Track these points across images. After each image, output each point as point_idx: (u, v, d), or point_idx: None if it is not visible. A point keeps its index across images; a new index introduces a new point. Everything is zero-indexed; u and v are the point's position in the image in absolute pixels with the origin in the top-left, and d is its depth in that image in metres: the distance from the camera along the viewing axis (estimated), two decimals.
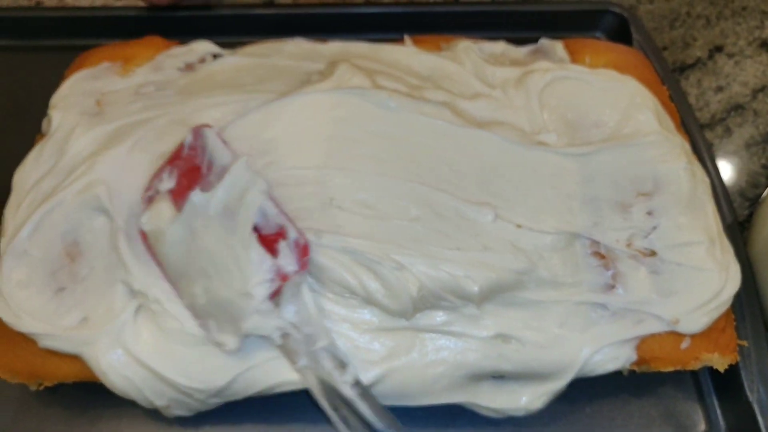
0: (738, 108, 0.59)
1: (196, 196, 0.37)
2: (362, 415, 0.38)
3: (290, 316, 0.37)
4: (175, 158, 0.40)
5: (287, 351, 0.38)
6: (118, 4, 0.67)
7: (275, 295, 0.37)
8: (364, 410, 0.37)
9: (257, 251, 0.37)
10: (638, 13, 0.66)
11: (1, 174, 0.46)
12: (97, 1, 0.67)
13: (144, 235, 0.39)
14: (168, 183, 0.39)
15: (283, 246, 0.37)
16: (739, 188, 0.55)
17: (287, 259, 0.37)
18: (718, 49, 0.63)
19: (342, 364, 0.38)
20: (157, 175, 0.40)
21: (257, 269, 0.37)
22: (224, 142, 0.40)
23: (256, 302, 0.36)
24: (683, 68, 0.62)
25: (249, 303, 0.36)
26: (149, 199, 0.39)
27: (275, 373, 0.39)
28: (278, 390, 0.40)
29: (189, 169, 0.39)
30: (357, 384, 0.38)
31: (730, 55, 0.63)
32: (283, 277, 0.37)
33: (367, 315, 0.39)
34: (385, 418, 0.38)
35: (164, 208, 0.38)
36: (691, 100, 0.60)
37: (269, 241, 0.37)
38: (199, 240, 0.37)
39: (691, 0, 0.66)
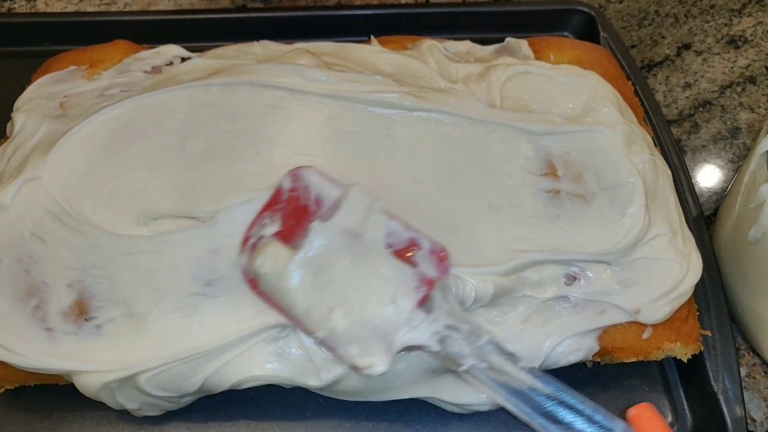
0: (706, 104, 0.60)
1: (317, 227, 0.37)
2: (556, 401, 0.34)
3: (444, 319, 0.36)
4: (273, 203, 0.40)
5: (448, 357, 0.36)
6: (90, 9, 0.67)
7: (423, 303, 0.36)
8: (558, 394, 0.34)
9: (396, 264, 0.37)
10: (607, 12, 0.66)
11: None
12: (69, 6, 0.68)
13: (254, 282, 0.38)
14: (272, 227, 0.39)
15: (419, 255, 0.37)
16: (707, 183, 0.55)
17: (428, 266, 0.37)
18: (686, 46, 0.64)
19: (510, 354, 0.36)
20: (255, 224, 0.40)
21: (401, 280, 0.36)
22: (326, 175, 0.40)
23: (407, 312, 0.36)
24: (651, 66, 0.63)
25: (399, 315, 0.36)
26: (254, 246, 0.39)
27: (244, 369, 0.38)
28: (246, 385, 0.40)
29: (294, 210, 0.39)
30: (533, 369, 0.35)
31: (698, 53, 0.63)
32: (429, 283, 0.36)
33: None
34: (584, 401, 0.35)
35: (278, 249, 0.38)
36: (660, 97, 0.60)
37: (404, 254, 0.37)
38: (328, 269, 0.37)
39: None
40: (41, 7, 0.67)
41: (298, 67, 0.45)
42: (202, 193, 0.42)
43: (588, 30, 0.62)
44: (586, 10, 0.62)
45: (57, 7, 0.68)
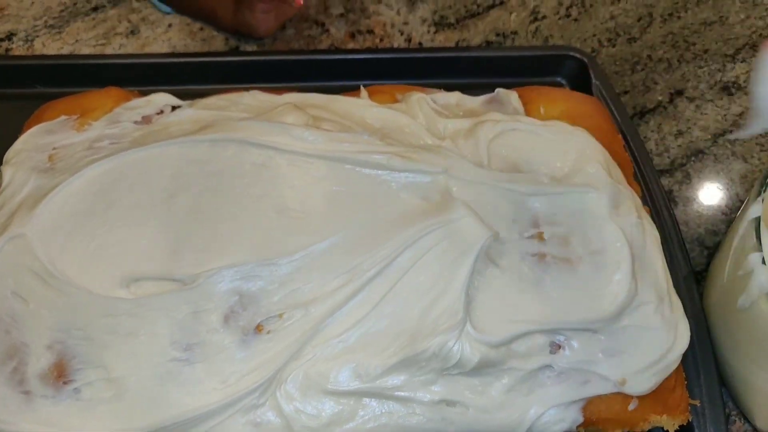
0: (698, 153, 0.59)
1: None
2: None
3: None
4: None
5: None
6: (85, 49, 0.67)
7: None
8: None
9: None
10: (600, 56, 0.66)
11: None
12: (65, 47, 0.68)
13: None
14: None
15: None
16: (698, 236, 0.55)
17: None
18: (679, 92, 0.63)
19: None
20: None
21: None
22: None
23: None
24: (644, 112, 0.62)
25: None
26: None
27: None
28: None
29: None
30: None
31: (691, 99, 0.63)
32: None
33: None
34: None
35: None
36: (651, 145, 0.60)
37: None
38: None
39: (653, 43, 0.67)
40: (38, 47, 0.67)
41: (286, 126, 0.45)
42: (185, 254, 0.42)
43: (580, 76, 0.62)
44: (578, 56, 0.62)
45: (53, 48, 0.68)
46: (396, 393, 0.38)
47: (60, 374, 0.39)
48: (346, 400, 0.38)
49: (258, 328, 0.40)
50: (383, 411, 0.38)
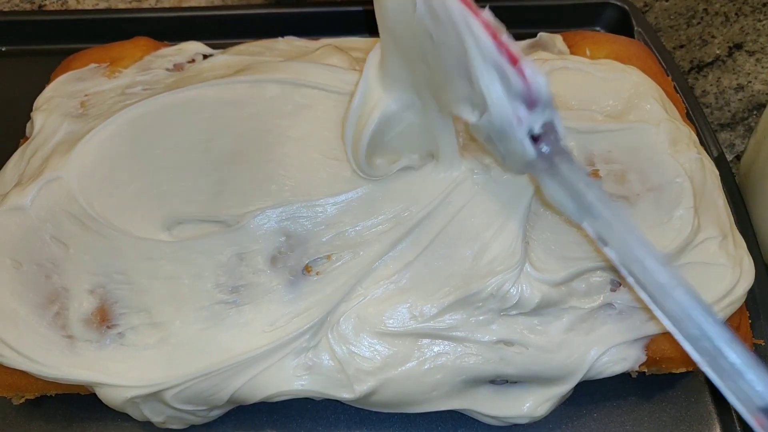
0: (760, 107, 0.57)
1: None
2: None
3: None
4: None
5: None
6: (121, 5, 0.65)
7: None
8: None
9: None
10: (654, 10, 0.64)
11: None
12: (101, 3, 0.66)
13: None
14: None
15: None
16: None
17: None
18: (738, 46, 0.61)
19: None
20: None
21: None
22: None
23: None
24: (701, 66, 0.60)
25: None
26: None
27: (273, 384, 0.37)
28: (275, 399, 0.38)
29: None
30: None
31: (751, 53, 0.61)
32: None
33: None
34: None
35: None
36: (711, 99, 0.58)
37: None
38: None
39: None
40: (72, 3, 0.66)
41: (332, 67, 0.43)
42: (227, 196, 0.40)
43: (621, 25, 0.60)
44: (619, 3, 0.60)
45: (88, 4, 0.66)
46: (452, 333, 0.37)
47: (103, 318, 0.38)
48: (401, 341, 0.37)
49: (306, 269, 0.39)
50: (439, 351, 0.37)
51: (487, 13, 0.30)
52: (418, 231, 0.39)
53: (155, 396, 0.37)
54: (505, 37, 0.30)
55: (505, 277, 0.37)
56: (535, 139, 0.31)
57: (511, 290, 0.37)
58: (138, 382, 0.37)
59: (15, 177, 0.43)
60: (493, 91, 0.30)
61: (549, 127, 0.31)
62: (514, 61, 0.30)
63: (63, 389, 0.39)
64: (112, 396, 0.37)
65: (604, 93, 0.45)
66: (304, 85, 0.43)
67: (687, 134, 0.43)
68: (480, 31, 0.29)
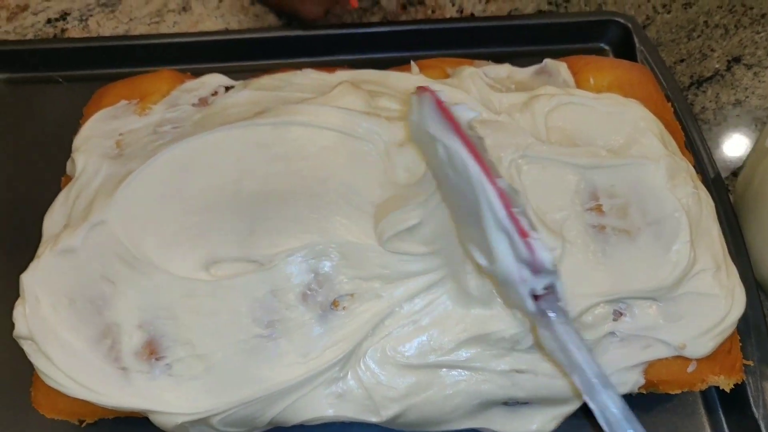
0: (757, 122, 0.60)
1: None
2: None
3: None
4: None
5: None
6: (140, 27, 0.68)
7: None
8: None
9: None
10: (655, 23, 0.66)
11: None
12: (120, 26, 0.68)
13: None
14: None
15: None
16: None
17: None
18: (736, 60, 0.63)
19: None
20: None
21: None
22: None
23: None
24: (701, 81, 0.62)
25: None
26: None
27: (307, 411, 0.41)
28: (311, 423, 0.42)
29: None
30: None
31: (749, 66, 0.63)
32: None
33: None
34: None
35: None
36: (709, 115, 0.60)
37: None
38: None
39: (709, 8, 0.66)
40: (93, 26, 0.68)
41: (350, 112, 0.46)
42: (259, 236, 0.43)
43: (624, 42, 0.62)
44: (622, 21, 0.62)
45: (108, 26, 0.69)
46: (469, 364, 0.41)
47: (152, 351, 0.42)
48: (422, 372, 0.41)
49: (334, 304, 0.42)
50: (458, 379, 0.41)
51: (502, 182, 0.32)
52: (438, 274, 0.42)
53: (203, 421, 0.41)
54: (518, 210, 0.33)
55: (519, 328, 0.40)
56: (536, 296, 0.34)
57: (525, 339, 0.40)
58: (187, 410, 0.41)
59: (63, 218, 0.46)
60: (501, 251, 0.33)
61: (550, 289, 0.34)
62: (524, 234, 0.32)
63: (119, 414, 0.43)
64: (164, 421, 0.41)
65: (607, 127, 0.47)
66: (325, 127, 0.46)
67: (685, 168, 0.46)
68: (495, 199, 0.32)
